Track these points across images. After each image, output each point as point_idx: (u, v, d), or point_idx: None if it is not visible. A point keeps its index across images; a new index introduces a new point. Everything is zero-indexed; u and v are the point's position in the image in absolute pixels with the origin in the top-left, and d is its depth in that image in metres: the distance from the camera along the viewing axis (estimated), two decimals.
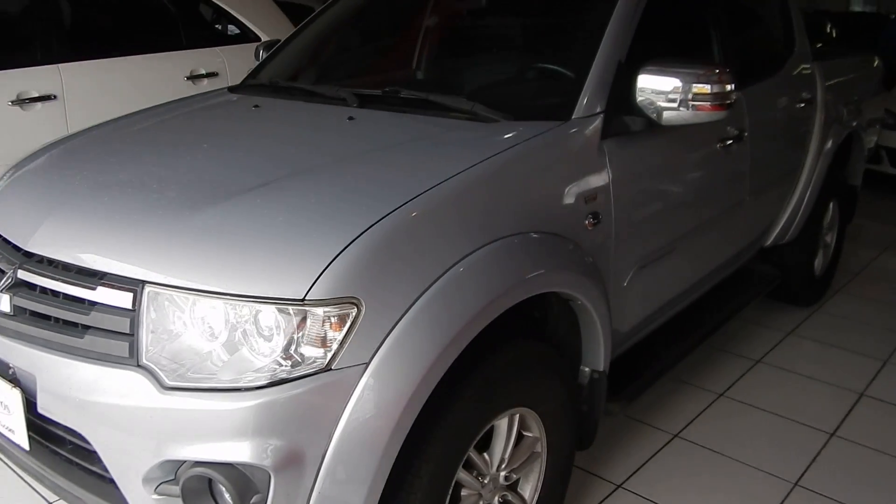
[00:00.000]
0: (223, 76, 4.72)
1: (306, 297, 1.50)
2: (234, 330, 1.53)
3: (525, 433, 2.06)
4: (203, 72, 4.68)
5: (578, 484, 2.62)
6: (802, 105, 3.44)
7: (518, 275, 1.79)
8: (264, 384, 1.49)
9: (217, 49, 4.80)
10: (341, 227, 1.59)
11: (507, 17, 2.90)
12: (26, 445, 1.70)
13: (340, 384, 1.51)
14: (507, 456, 1.99)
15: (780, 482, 2.68)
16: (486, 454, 1.95)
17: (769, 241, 3.60)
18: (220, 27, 5.05)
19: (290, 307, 1.50)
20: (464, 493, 1.91)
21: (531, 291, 1.82)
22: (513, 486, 2.10)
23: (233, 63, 4.78)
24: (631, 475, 2.70)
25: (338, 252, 1.54)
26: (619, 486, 2.64)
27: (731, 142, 2.79)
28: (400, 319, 1.56)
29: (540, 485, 2.14)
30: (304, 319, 1.51)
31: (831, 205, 4.03)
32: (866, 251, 5.20)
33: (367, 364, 1.52)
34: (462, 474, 1.85)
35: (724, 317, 3.15)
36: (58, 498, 2.34)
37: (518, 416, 1.98)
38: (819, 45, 8.68)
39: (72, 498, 1.72)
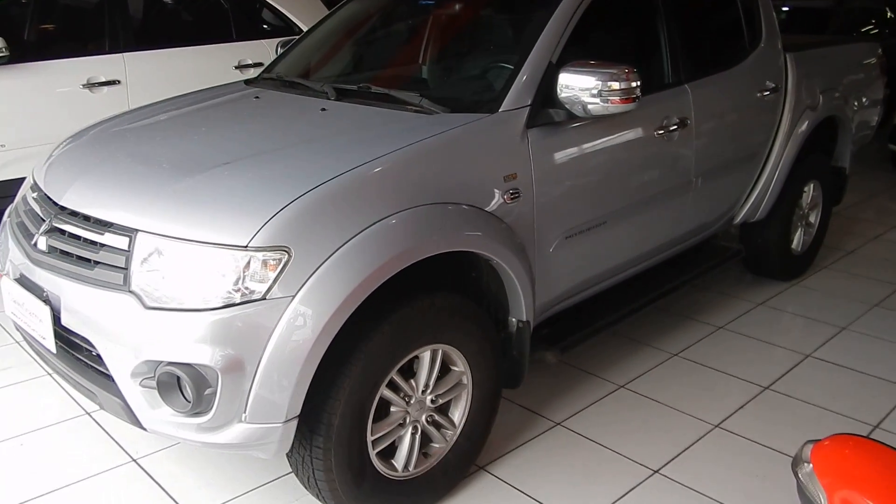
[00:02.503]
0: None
1: (249, 245, 2.02)
2: (198, 266, 2.06)
3: (452, 367, 2.55)
4: (250, 62, 5.29)
5: (521, 420, 3.09)
6: (767, 93, 3.75)
7: (424, 235, 2.27)
8: (218, 306, 2.02)
9: (263, 41, 5.39)
10: (280, 194, 2.11)
11: (464, 23, 3.37)
12: (54, 349, 2.30)
13: (273, 310, 2.02)
14: (431, 383, 2.47)
15: (703, 425, 3.07)
16: (412, 381, 2.44)
17: (739, 219, 3.94)
18: (266, 21, 5.64)
19: (237, 252, 2.03)
20: (392, 409, 2.41)
21: (438, 249, 2.30)
22: (444, 410, 2.59)
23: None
24: (571, 416, 3.14)
25: (274, 213, 2.06)
26: (557, 424, 3.08)
27: (674, 128, 3.17)
28: (322, 264, 2.07)
29: (467, 411, 2.61)
30: (248, 262, 2.03)
31: (811, 185, 4.31)
32: (873, 229, 5.42)
33: (294, 296, 2.03)
34: (388, 392, 2.35)
35: (676, 284, 3.53)
36: (95, 409, 3.00)
37: (441, 351, 2.46)
38: (872, 29, 8.73)
39: (86, 391, 2.32)
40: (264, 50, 5.35)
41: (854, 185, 6.37)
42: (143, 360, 2.07)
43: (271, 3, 5.57)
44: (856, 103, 4.49)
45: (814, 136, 4.09)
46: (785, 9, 8.43)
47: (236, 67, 5.25)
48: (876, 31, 8.86)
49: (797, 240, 4.38)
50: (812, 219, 4.47)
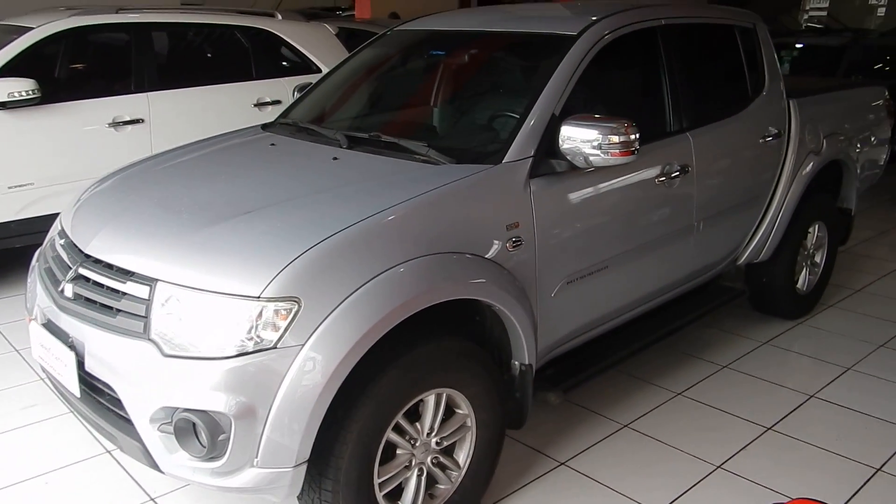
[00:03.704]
0: (286, 103, 5.46)
1: (261, 295, 2.14)
2: (214, 316, 2.17)
3: (456, 410, 2.64)
4: (268, 100, 5.45)
5: (526, 460, 3.16)
6: (769, 139, 3.84)
7: (429, 284, 2.37)
8: (232, 355, 2.14)
9: (282, 79, 5.55)
10: (291, 246, 2.22)
11: (471, 75, 3.51)
12: (77, 393, 2.42)
13: (284, 358, 2.13)
14: (436, 426, 2.56)
15: (705, 465, 3.12)
16: (417, 424, 2.53)
17: (742, 260, 4.02)
18: (286, 58, 5.80)
19: (251, 302, 2.14)
20: (399, 451, 2.50)
21: (442, 297, 2.40)
22: (448, 452, 2.67)
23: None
24: (575, 455, 3.21)
25: (285, 265, 2.17)
26: (562, 464, 3.15)
27: (675, 175, 3.26)
28: (331, 313, 2.18)
29: (471, 453, 2.69)
30: (261, 311, 2.14)
31: (816, 226, 4.38)
32: (883, 266, 5.46)
33: (303, 345, 2.14)
34: (394, 436, 2.44)
35: (678, 325, 3.61)
36: (114, 448, 3.11)
37: (445, 395, 2.55)
38: (884, 67, 8.65)
39: (107, 434, 2.43)
40: (283, 88, 5.51)
41: (867, 221, 6.42)
42: (160, 406, 2.18)
43: (290, 41, 5.74)
44: (859, 146, 4.56)
45: (818, 178, 4.17)
46: (799, 45, 8.47)
47: (255, 105, 5.41)
48: (888, 69, 8.77)
49: (802, 279, 4.44)
50: (818, 258, 4.53)
